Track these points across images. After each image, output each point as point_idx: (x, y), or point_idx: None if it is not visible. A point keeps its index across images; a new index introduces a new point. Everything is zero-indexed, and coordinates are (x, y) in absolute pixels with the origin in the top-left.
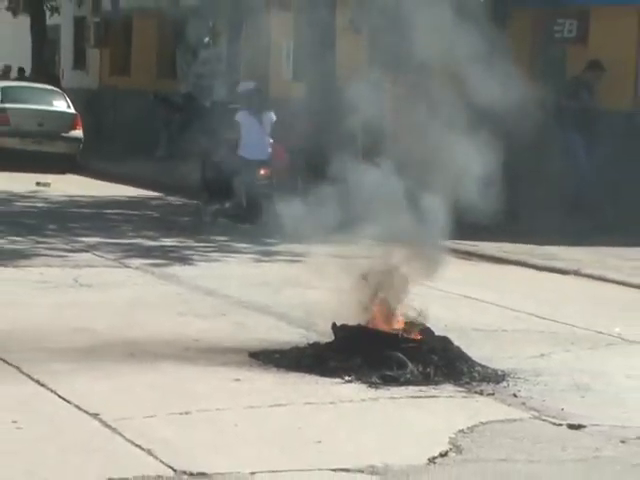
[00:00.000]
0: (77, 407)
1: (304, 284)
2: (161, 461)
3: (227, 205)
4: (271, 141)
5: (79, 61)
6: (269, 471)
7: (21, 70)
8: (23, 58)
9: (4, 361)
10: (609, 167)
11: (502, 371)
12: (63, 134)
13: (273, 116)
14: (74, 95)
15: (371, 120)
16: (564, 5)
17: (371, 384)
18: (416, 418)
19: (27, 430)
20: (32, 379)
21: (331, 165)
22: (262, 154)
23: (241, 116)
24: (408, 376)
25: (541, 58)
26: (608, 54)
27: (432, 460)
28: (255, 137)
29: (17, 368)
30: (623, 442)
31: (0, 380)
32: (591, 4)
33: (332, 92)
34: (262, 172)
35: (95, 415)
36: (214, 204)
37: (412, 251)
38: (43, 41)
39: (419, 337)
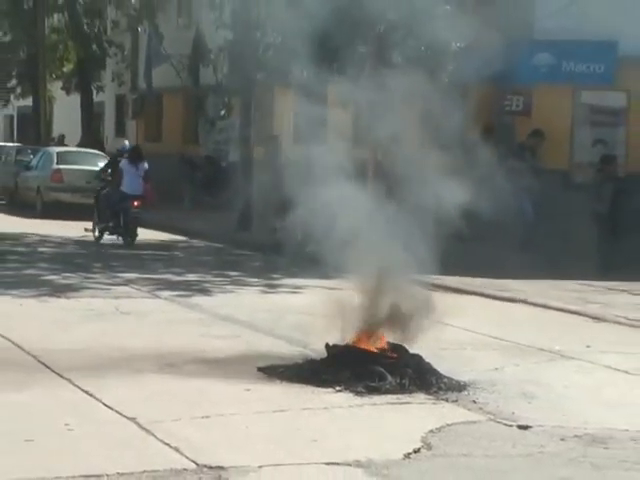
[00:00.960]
0: (118, 412)
1: (302, 311)
2: (186, 457)
3: (110, 224)
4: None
5: (120, 130)
6: (273, 464)
7: (63, 137)
8: (74, 128)
9: (59, 375)
10: (550, 215)
11: (464, 382)
12: None
13: (146, 165)
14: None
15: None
16: (513, 84)
17: (357, 393)
18: (394, 421)
19: (77, 431)
20: (81, 389)
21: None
22: (136, 191)
23: (123, 164)
24: (387, 386)
25: (495, 126)
26: (548, 124)
27: (407, 455)
28: (131, 179)
29: (69, 380)
30: (563, 440)
31: (55, 390)
32: (534, 84)
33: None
34: (135, 203)
35: (132, 419)
36: (103, 223)
37: (399, 287)
38: (91, 114)
39: (396, 355)
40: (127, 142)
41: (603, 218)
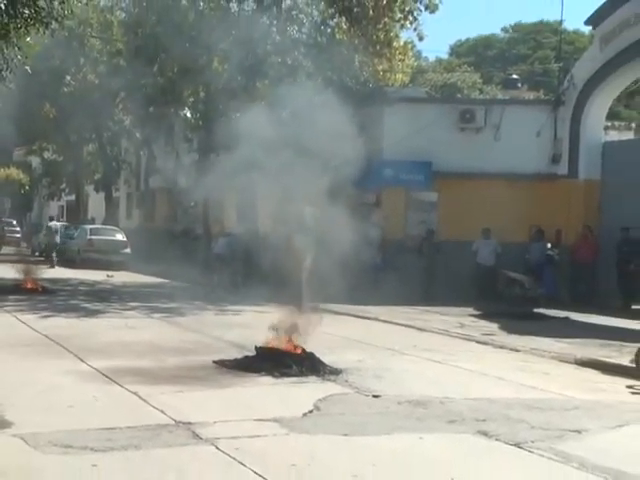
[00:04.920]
0: (126, 389)
1: (241, 325)
2: (168, 416)
3: None
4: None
5: (129, 214)
6: (223, 421)
7: (93, 219)
8: (100, 213)
9: (90, 366)
10: (392, 266)
11: (340, 369)
12: (120, 251)
13: None
14: (126, 231)
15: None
16: (369, 188)
17: (274, 376)
18: (296, 393)
19: (100, 401)
20: (104, 375)
21: None
22: None
23: None
24: (293, 372)
25: (358, 214)
26: (391, 211)
27: (305, 414)
28: None
29: (97, 370)
30: (399, 403)
31: (88, 378)
32: (382, 187)
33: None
34: None
35: (135, 393)
36: None
37: (300, 310)
38: (110, 204)
39: (299, 352)
40: None
41: (425, 268)
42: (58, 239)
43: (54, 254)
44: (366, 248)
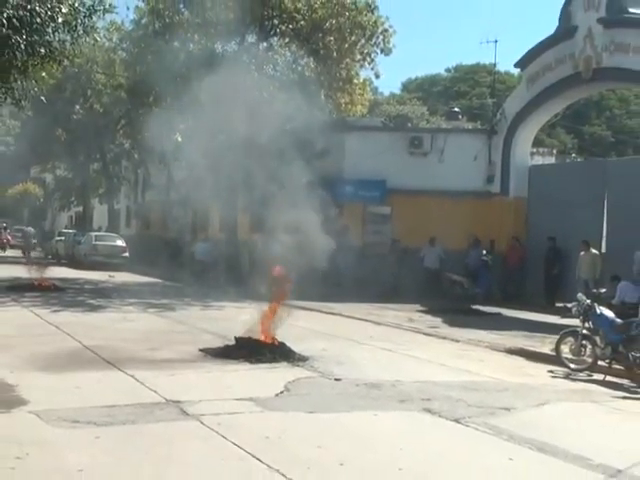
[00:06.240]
0: (124, 372)
1: (223, 319)
2: (160, 395)
3: None
4: None
5: (128, 223)
6: (207, 400)
7: (100, 228)
8: (104, 223)
9: (94, 352)
10: (356, 268)
11: (307, 356)
12: (120, 255)
13: (4, 224)
14: (125, 237)
15: None
16: (334, 201)
17: (251, 362)
18: (270, 376)
19: (102, 383)
20: (105, 360)
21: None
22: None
23: None
24: (267, 359)
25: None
26: (352, 221)
27: (277, 394)
28: None
29: (99, 355)
30: (357, 386)
31: (92, 363)
32: (344, 201)
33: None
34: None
35: (132, 375)
36: None
37: (273, 306)
38: (112, 215)
39: (272, 342)
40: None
41: (391, 273)
42: (33, 242)
43: (29, 253)
44: (332, 254)
